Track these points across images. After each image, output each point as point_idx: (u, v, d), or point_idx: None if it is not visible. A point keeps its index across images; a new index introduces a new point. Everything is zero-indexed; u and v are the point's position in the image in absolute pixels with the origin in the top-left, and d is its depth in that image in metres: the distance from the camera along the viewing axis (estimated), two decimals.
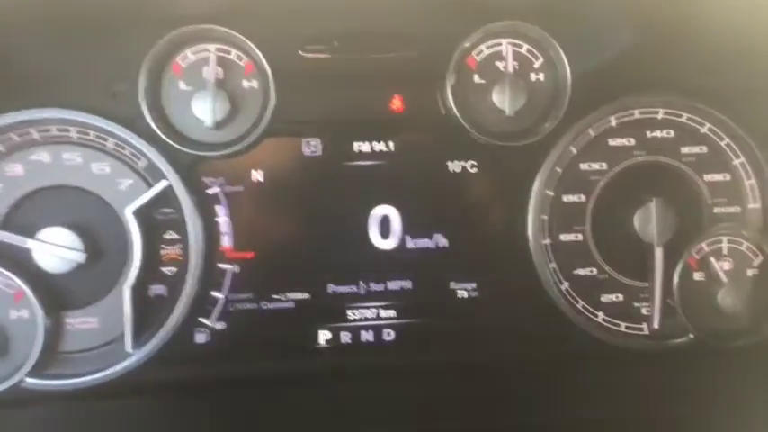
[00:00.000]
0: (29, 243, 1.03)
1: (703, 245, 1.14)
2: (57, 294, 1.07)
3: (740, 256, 1.15)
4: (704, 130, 1.16)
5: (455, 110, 1.08)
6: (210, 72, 1.05)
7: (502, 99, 1.08)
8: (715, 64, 1.14)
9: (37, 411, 1.05)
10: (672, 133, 1.16)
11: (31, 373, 1.03)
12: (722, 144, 1.16)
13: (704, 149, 1.17)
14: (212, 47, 1.06)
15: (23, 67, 1.06)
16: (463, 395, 1.12)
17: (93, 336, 1.08)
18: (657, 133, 1.16)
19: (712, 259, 1.13)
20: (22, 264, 1.05)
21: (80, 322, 1.08)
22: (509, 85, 1.07)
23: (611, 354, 1.15)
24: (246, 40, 1.04)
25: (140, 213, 1.06)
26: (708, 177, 1.17)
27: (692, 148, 1.16)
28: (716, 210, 1.17)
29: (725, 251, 1.15)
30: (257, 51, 1.05)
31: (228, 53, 1.07)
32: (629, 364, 1.15)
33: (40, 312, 1.04)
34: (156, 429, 1.06)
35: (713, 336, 1.13)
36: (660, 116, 1.15)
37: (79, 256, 1.04)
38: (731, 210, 1.17)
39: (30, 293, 1.03)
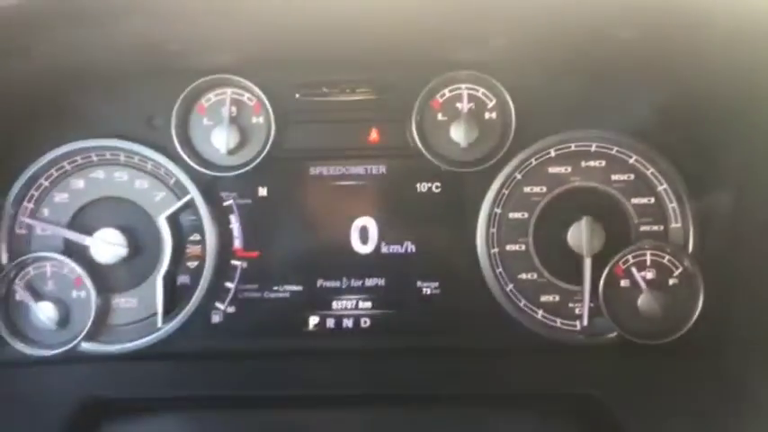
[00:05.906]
0: (87, 240, 1.30)
1: (629, 257, 1.32)
2: (106, 280, 1.29)
3: (662, 268, 1.32)
4: (632, 160, 1.32)
5: (419, 143, 1.30)
6: (226, 111, 1.30)
7: (458, 133, 1.29)
8: (643, 106, 1.31)
9: (88, 368, 1.30)
10: (603, 163, 1.33)
11: (85, 340, 1.26)
12: (648, 173, 1.32)
13: (632, 177, 1.32)
14: (229, 91, 1.31)
15: (85, 108, 1.31)
16: (423, 371, 1.29)
17: (133, 313, 1.30)
18: (591, 163, 1.33)
19: (634, 269, 1.31)
20: (81, 256, 1.31)
21: (123, 302, 1.31)
22: (464, 123, 1.28)
23: (549, 346, 1.33)
24: (254, 87, 1.28)
25: (170, 219, 1.28)
26: (635, 200, 1.33)
27: (621, 176, 1.33)
28: (642, 228, 1.33)
29: (648, 263, 1.32)
30: (262, 95, 1.28)
31: (242, 96, 1.31)
32: (563, 353, 1.33)
33: (93, 294, 1.26)
34: (177, 386, 1.28)
35: (635, 334, 1.29)
36: (593, 149, 1.33)
37: (123, 251, 1.30)
38: (655, 228, 1.33)
39: (86, 279, 1.29)
